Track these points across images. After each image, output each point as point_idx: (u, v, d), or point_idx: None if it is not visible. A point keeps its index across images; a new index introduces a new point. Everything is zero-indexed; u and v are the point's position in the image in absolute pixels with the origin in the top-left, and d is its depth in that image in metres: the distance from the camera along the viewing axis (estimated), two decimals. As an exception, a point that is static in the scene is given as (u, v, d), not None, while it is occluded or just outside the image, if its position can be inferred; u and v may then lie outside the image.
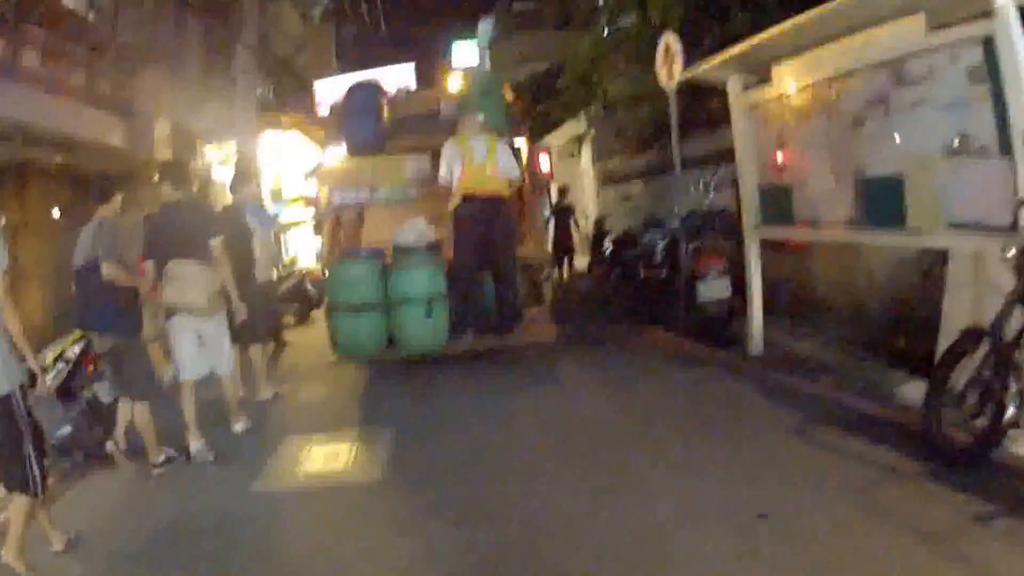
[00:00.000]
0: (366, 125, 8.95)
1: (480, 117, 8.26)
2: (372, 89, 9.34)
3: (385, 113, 9.20)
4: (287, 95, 22.46)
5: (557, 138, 21.05)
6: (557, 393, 7.96)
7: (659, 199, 13.64)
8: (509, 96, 9.66)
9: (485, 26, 40.47)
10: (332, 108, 10.22)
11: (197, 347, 6.49)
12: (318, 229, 9.52)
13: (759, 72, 7.65)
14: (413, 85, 20.59)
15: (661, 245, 11.89)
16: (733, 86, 8.11)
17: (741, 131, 8.11)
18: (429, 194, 8.59)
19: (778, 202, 7.61)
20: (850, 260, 8.59)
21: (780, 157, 7.56)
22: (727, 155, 10.38)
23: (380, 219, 9.04)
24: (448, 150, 7.86)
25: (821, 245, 8.67)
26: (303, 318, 14.51)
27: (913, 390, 6.10)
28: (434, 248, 8.07)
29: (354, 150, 9.09)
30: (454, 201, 7.79)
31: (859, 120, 6.31)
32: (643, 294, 12.15)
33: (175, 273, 6.21)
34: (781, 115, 7.45)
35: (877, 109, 6.08)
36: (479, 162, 7.71)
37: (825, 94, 6.74)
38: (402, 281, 7.78)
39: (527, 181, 9.02)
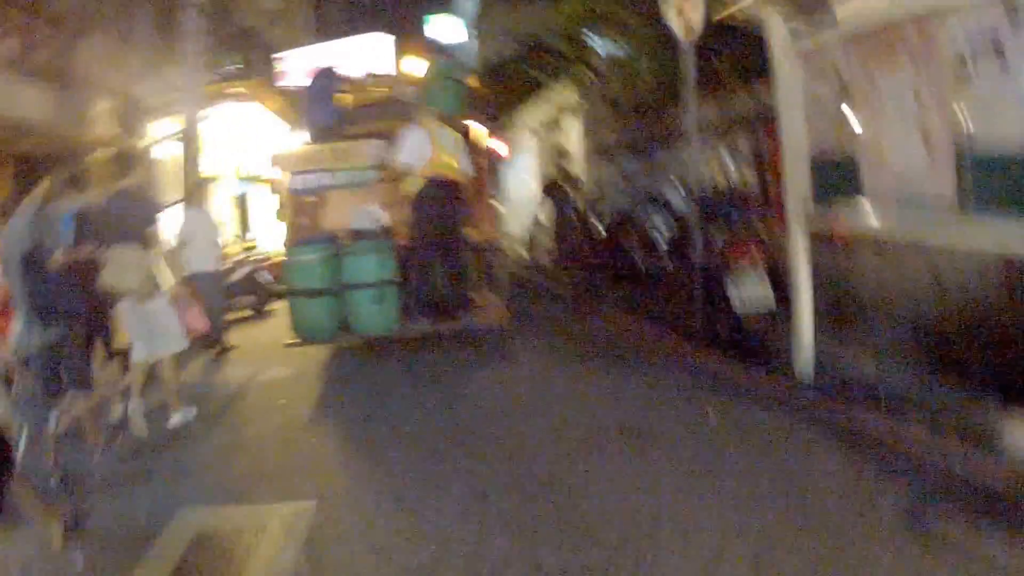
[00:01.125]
0: (324, 110, 9.02)
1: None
2: (329, 74, 9.36)
3: (344, 98, 9.25)
4: (258, 70, 20.33)
5: (540, 111, 19.15)
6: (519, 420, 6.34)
7: (661, 176, 11.81)
8: (473, 83, 9.76)
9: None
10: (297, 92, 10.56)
11: (143, 330, 6.57)
12: (280, 214, 9.30)
13: (811, 10, 5.83)
14: (392, 56, 18.92)
15: (665, 231, 10.08)
16: (777, 30, 6.23)
17: (787, 87, 6.20)
18: (387, 179, 8.63)
19: (839, 181, 5.77)
20: (915, 255, 6.74)
21: (844, 121, 5.71)
22: (744, 124, 8.61)
23: (339, 204, 9.29)
24: (414, 137, 7.91)
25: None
26: (259, 311, 13.29)
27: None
28: (386, 234, 8.27)
29: (313, 135, 9.17)
30: (417, 183, 7.84)
31: (963, 72, 4.53)
32: (644, 288, 10.38)
33: (114, 259, 6.27)
34: (847, 66, 5.60)
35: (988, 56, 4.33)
36: (448, 153, 7.93)
37: (913, 36, 4.92)
38: (354, 267, 7.94)
39: (485, 163, 9.21)
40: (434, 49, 25.79)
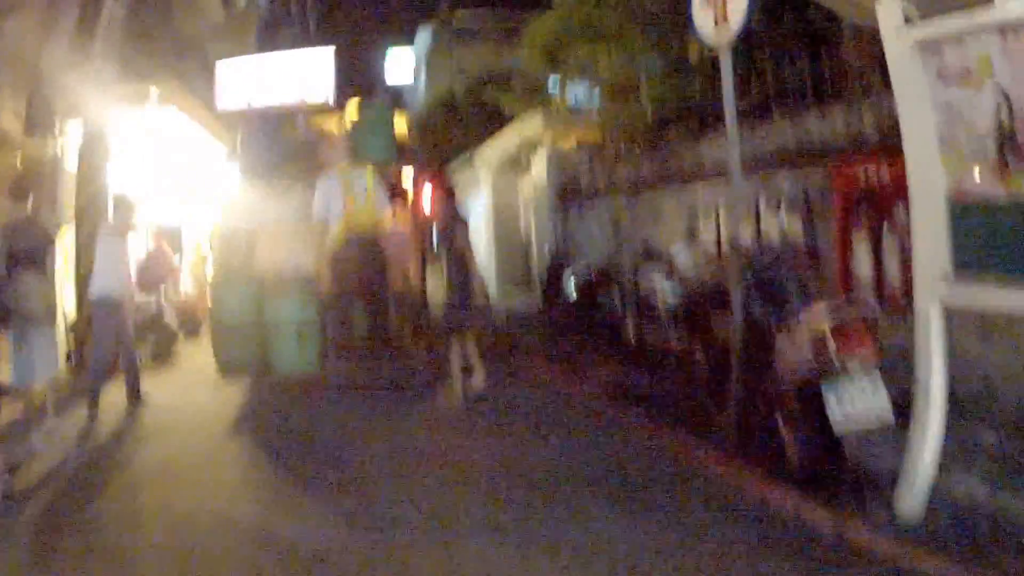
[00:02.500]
0: (258, 153, 9.36)
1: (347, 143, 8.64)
2: (268, 119, 9.79)
3: (281, 138, 9.61)
4: (194, 82, 18.04)
5: (498, 148, 17.18)
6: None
7: (662, 226, 9.86)
8: (402, 127, 10.03)
9: (424, 35, 38.43)
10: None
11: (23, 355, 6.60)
12: (212, 250, 9.59)
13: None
14: (331, 69, 16.62)
15: (669, 296, 8.05)
16: (889, 16, 4.26)
17: (913, 96, 4.20)
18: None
19: (997, 235, 3.80)
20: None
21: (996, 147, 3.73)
22: (793, 158, 6.75)
23: (268, 245, 9.15)
24: (325, 187, 7.90)
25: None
26: (160, 355, 11.34)
27: None
28: (309, 276, 8.17)
29: (246, 176, 9.36)
30: (336, 238, 7.83)
31: None
32: (636, 367, 8.33)
33: (16, 283, 6.36)
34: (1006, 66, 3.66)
35: None
36: (360, 199, 7.84)
37: None
38: (276, 306, 8.16)
39: (411, 218, 9.28)
40: (376, 89, 27.92)
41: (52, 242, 7.02)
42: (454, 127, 24.16)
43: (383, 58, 41.25)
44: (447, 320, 7.79)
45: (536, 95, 13.47)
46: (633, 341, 8.87)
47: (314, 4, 28.70)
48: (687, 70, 9.13)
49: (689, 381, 7.11)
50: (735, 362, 5.77)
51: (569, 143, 13.18)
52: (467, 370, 7.72)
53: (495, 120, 21.09)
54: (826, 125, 7.14)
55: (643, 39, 9.42)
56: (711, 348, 6.63)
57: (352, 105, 10.50)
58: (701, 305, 7.01)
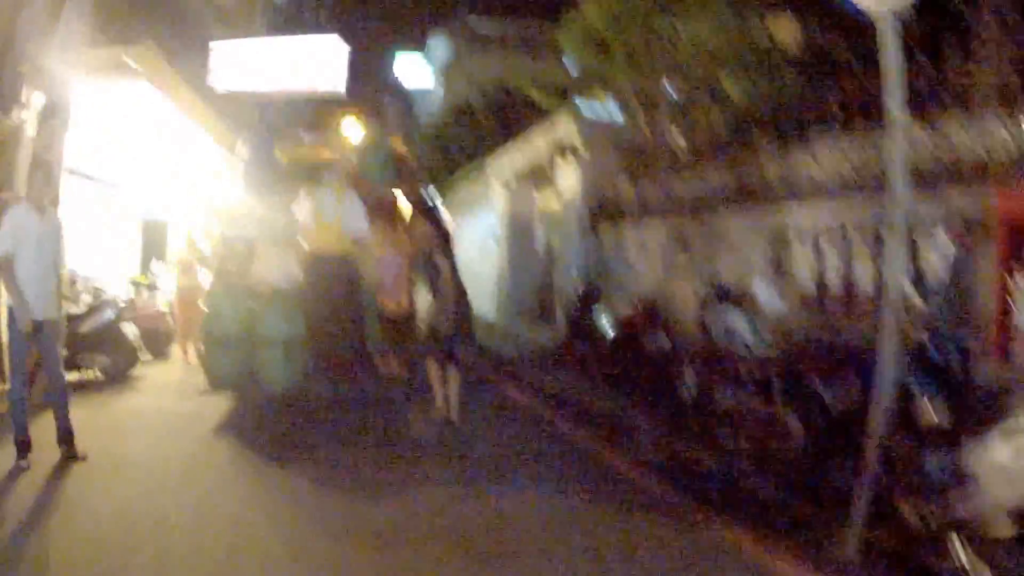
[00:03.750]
0: (260, 168, 9.53)
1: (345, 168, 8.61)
2: (268, 135, 10.28)
3: (282, 157, 9.52)
4: (186, 63, 16.43)
5: (511, 158, 15.61)
6: None
7: (732, 251, 8.18)
8: (400, 150, 9.74)
9: (435, 41, 37.77)
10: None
11: None
12: (209, 259, 9.63)
13: None
14: (344, 66, 15.32)
15: (751, 341, 6.42)
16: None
17: None
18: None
19: None
20: None
21: None
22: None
23: (268, 257, 8.98)
24: (304, 202, 8.22)
25: None
26: (116, 375, 9.69)
27: None
28: (297, 291, 8.20)
29: (247, 189, 9.49)
30: (307, 256, 8.09)
31: None
32: (698, 432, 6.71)
33: None
34: None
35: None
36: (327, 221, 7.95)
37: None
38: (265, 321, 7.99)
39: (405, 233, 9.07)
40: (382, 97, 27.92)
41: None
42: (467, 136, 22.76)
43: (389, 59, 40.04)
44: (428, 344, 7.60)
45: (574, 92, 11.72)
46: (691, 399, 7.10)
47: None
48: (775, 62, 7.60)
49: (779, 465, 5.41)
50: (871, 455, 4.08)
51: (609, 150, 11.50)
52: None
53: (513, 129, 19.91)
54: (980, 136, 5.50)
55: (729, 14, 7.73)
56: (816, 423, 4.96)
57: (349, 125, 10.71)
58: (803, 361, 5.35)
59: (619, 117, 11.68)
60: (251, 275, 8.92)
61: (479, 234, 19.45)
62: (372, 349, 8.62)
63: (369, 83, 38.88)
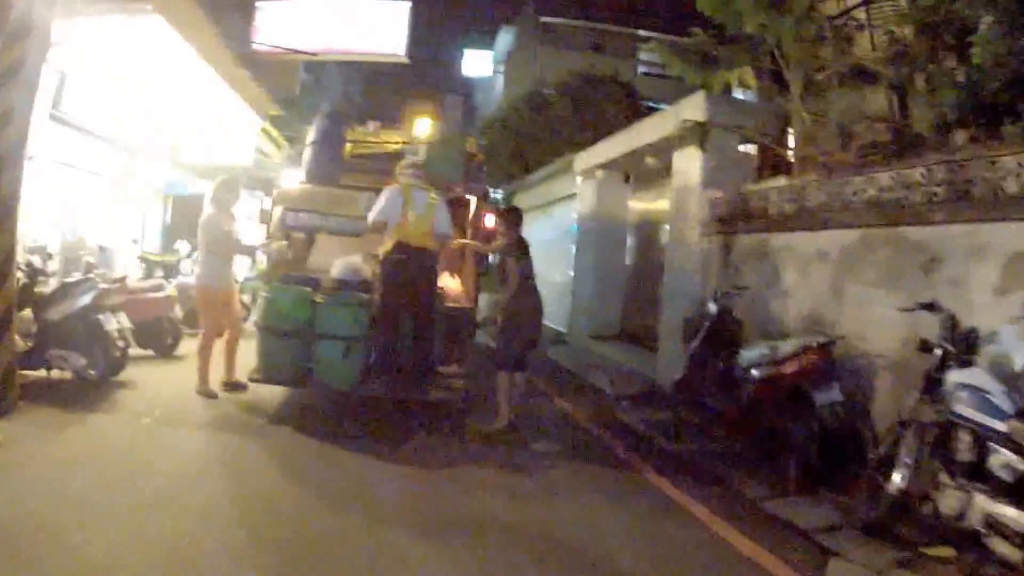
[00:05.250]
0: (325, 155, 8.97)
1: (417, 164, 8.23)
2: (337, 119, 9.39)
3: (347, 146, 9.36)
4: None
5: (608, 151, 13.09)
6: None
7: (954, 284, 5.64)
8: (472, 149, 9.68)
9: (505, 36, 37.93)
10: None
11: None
12: (266, 246, 8.98)
13: None
14: (406, 30, 14.04)
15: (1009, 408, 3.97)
16: None
17: None
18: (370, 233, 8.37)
19: None
20: None
21: None
22: None
23: (326, 248, 9.51)
24: (389, 195, 7.75)
25: None
26: (94, 378, 8.04)
27: None
28: (364, 287, 8.11)
29: (311, 177, 9.01)
30: (386, 247, 7.72)
31: None
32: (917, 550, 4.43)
33: None
34: None
35: None
36: (418, 216, 7.70)
37: None
38: (327, 315, 7.71)
39: (472, 234, 9.21)
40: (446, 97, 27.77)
41: None
42: (540, 131, 20.68)
43: (455, 56, 39.79)
44: (503, 354, 7.90)
45: (708, 65, 9.16)
46: (898, 493, 4.77)
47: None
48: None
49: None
50: None
51: (758, 138, 8.91)
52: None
53: (595, 124, 17.86)
54: None
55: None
56: None
57: (421, 123, 9.90)
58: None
59: (771, 97, 9.41)
60: (313, 266, 9.28)
61: (550, 237, 17.46)
62: (437, 352, 8.28)
63: (435, 80, 38.84)
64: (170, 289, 10.59)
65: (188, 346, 10.50)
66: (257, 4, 14.06)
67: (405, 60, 13.61)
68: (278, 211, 9.07)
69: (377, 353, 7.92)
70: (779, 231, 8.08)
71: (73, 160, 12.23)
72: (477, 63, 39.67)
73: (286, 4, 14.35)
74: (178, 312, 10.65)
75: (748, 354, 7.10)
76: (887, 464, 5.00)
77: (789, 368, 6.39)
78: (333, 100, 34.38)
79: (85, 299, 7.86)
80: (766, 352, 6.83)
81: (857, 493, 5.40)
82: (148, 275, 12.19)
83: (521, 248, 7.99)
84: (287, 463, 6.30)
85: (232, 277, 8.66)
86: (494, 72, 38.00)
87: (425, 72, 35.85)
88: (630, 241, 13.96)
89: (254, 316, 8.77)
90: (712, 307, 7.91)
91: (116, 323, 8.34)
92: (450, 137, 9.28)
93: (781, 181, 8.26)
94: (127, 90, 11.83)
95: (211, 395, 8.07)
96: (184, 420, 7.18)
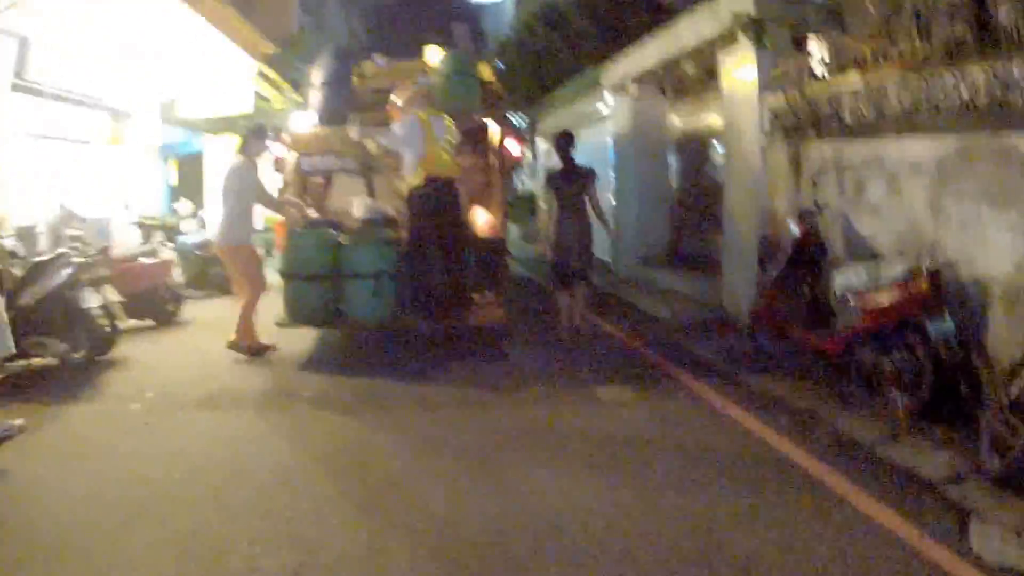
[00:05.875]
0: (336, 96, 8.87)
1: (425, 92, 8.29)
2: (344, 57, 9.32)
3: (355, 82, 9.28)
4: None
5: (643, 58, 12.00)
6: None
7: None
8: (487, 75, 9.55)
9: None
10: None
11: None
12: (283, 193, 8.91)
13: None
14: None
15: None
16: None
17: None
18: (391, 169, 8.61)
19: None
20: None
21: None
22: None
23: (347, 188, 9.49)
24: (408, 127, 7.81)
25: None
26: (79, 362, 7.51)
27: None
28: (389, 224, 8.33)
29: (324, 119, 8.92)
30: (416, 180, 7.75)
31: None
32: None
33: None
34: None
35: None
36: (441, 143, 7.77)
37: None
38: (353, 255, 7.85)
39: (496, 162, 9.22)
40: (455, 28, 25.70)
41: None
42: (560, 49, 19.69)
43: None
44: (558, 271, 8.56)
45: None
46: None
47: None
48: None
49: None
50: None
51: (828, 31, 7.84)
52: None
53: (619, 37, 16.85)
54: None
55: None
56: None
57: (432, 53, 9.65)
58: None
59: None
60: (332, 207, 9.30)
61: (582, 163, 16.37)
62: (471, 280, 8.36)
63: (441, 9, 37.71)
64: (166, 253, 10.22)
65: (193, 310, 10.33)
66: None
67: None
68: (292, 156, 9.07)
69: (409, 286, 8.00)
70: (858, 139, 7.14)
71: (53, 131, 11.51)
72: None
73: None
74: (178, 276, 10.30)
75: (843, 279, 6.30)
76: (1018, 408, 4.25)
77: (898, 295, 5.61)
78: (337, 38, 33.60)
79: (59, 278, 7.32)
80: (866, 277, 6.04)
81: (976, 437, 4.64)
82: (147, 240, 11.59)
83: (563, 177, 8.61)
84: (335, 427, 5.99)
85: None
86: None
87: (429, 2, 35.28)
88: (673, 160, 13.01)
89: (276, 266, 8.52)
90: (794, 227, 7.09)
91: (99, 299, 7.86)
92: (463, 64, 9.00)
93: (853, 80, 7.29)
94: (104, 48, 10.97)
95: (265, 348, 8.07)
96: (183, 400, 6.59)
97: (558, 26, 20.13)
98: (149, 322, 9.62)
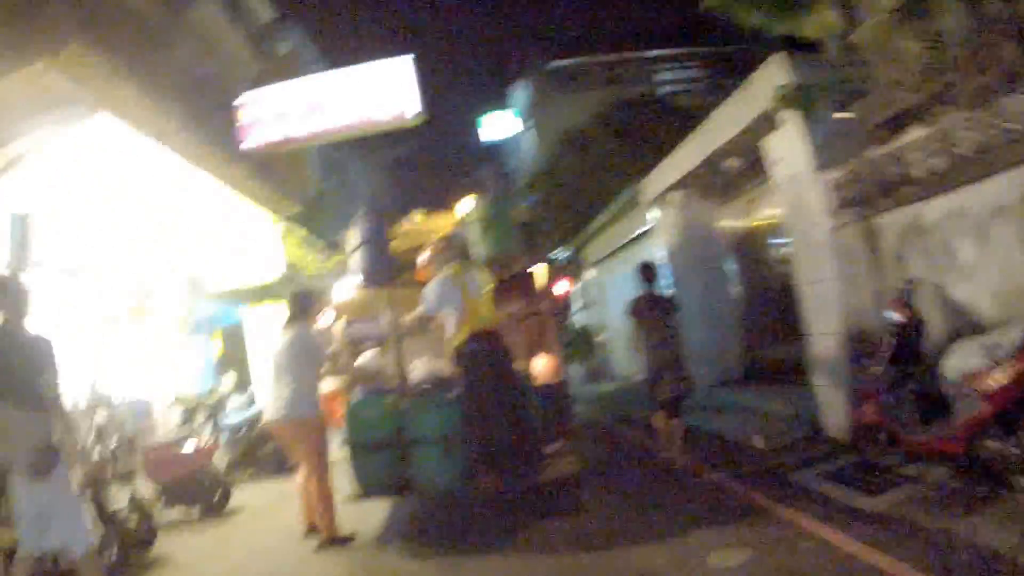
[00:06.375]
0: (376, 255, 8.47)
1: (452, 242, 7.93)
2: (378, 216, 8.80)
3: (396, 242, 8.92)
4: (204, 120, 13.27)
5: (684, 160, 11.40)
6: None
7: None
8: (523, 216, 10.12)
9: (520, 93, 37.31)
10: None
11: (34, 515, 5.20)
12: (333, 364, 8.25)
13: None
14: (413, 82, 12.27)
15: None
16: None
17: None
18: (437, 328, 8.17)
19: None
20: None
21: None
22: None
23: (402, 349, 8.65)
24: (439, 288, 7.48)
25: None
26: (126, 554, 6.97)
27: None
28: (448, 384, 7.92)
29: (367, 281, 8.47)
30: (459, 339, 7.38)
31: None
32: None
33: None
34: None
35: None
36: (480, 297, 7.47)
37: None
38: (415, 420, 7.55)
39: (545, 303, 9.08)
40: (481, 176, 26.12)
41: (52, 354, 5.26)
42: (590, 172, 19.40)
43: (474, 131, 39.34)
44: (654, 395, 8.43)
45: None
46: None
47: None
48: None
49: None
50: None
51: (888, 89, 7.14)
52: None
53: (646, 150, 16.52)
54: None
55: None
56: None
57: (464, 204, 9.54)
58: None
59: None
60: (388, 373, 8.87)
61: (629, 286, 15.74)
62: (538, 432, 7.94)
63: (459, 157, 38.58)
64: (205, 437, 9.54)
65: (242, 496, 9.46)
66: (236, 104, 12.77)
67: (423, 117, 12.08)
68: (339, 324, 8.90)
69: (476, 447, 7.49)
70: (933, 196, 6.37)
71: (65, 307, 10.91)
72: (496, 127, 39.15)
73: (257, 95, 12.86)
74: (221, 461, 9.65)
75: (956, 362, 5.46)
76: None
77: (1020, 366, 4.83)
78: (365, 198, 33.84)
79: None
80: (981, 354, 5.21)
81: None
82: (187, 421, 10.91)
83: (646, 303, 8.59)
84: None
85: None
86: (520, 129, 37.45)
87: (447, 152, 36.10)
88: (732, 266, 12.20)
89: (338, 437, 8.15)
90: (893, 314, 6.20)
91: (128, 494, 7.39)
92: (496, 208, 8.88)
93: (914, 134, 6.57)
94: (119, 219, 10.56)
95: (349, 538, 7.33)
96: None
97: (584, 150, 19.93)
98: (194, 512, 8.89)
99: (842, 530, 5.48)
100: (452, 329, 7.46)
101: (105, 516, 6.69)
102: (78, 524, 5.40)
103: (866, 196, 7.22)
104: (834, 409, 7.78)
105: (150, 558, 7.19)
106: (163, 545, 7.46)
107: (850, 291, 7.57)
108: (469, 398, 7.46)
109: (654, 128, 18.02)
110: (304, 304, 7.76)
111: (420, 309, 7.69)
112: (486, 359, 7.39)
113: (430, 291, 7.57)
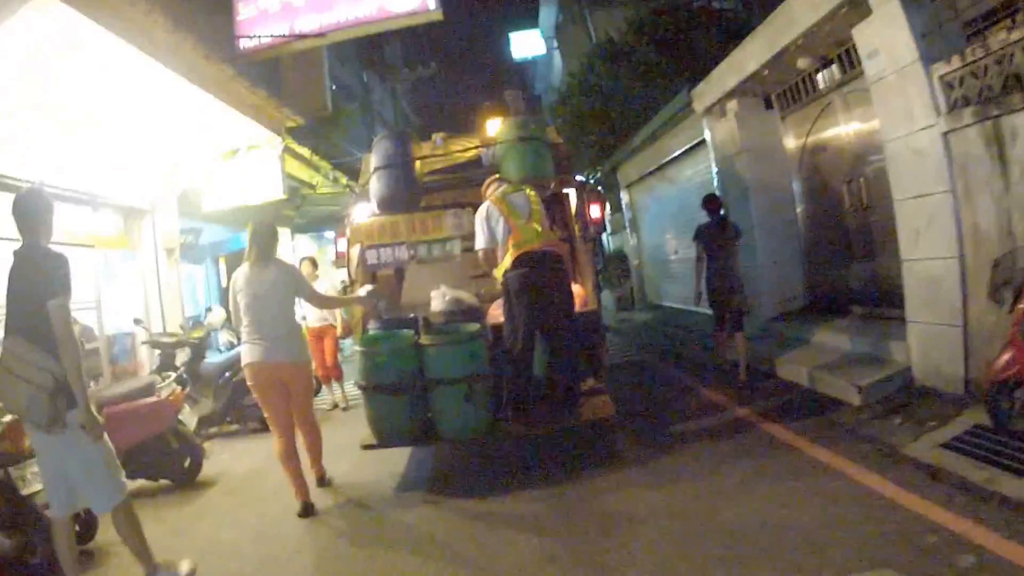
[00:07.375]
0: (399, 180, 8.16)
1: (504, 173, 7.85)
2: (402, 138, 8.47)
3: (417, 165, 8.53)
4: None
5: (733, 69, 10.33)
6: None
7: None
8: (554, 137, 8.99)
9: (547, 12, 36.91)
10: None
11: (56, 472, 4.88)
12: (351, 291, 8.33)
13: None
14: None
15: None
16: None
17: None
18: (472, 250, 7.75)
19: None
20: None
21: None
22: None
23: (420, 279, 9.34)
24: (484, 218, 7.22)
25: None
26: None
27: None
28: (474, 317, 7.77)
29: (385, 207, 8.26)
30: (505, 264, 7.05)
31: None
32: None
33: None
34: None
35: None
36: (526, 218, 7.08)
37: None
38: (436, 360, 6.93)
39: (578, 231, 8.62)
40: (515, 100, 23.16)
41: (64, 274, 4.70)
42: (627, 85, 18.58)
43: (504, 46, 39.19)
44: (716, 311, 9.14)
45: None
46: None
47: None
48: None
49: None
50: None
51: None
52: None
53: (692, 63, 15.84)
54: None
55: None
56: None
57: (492, 125, 9.09)
58: None
59: None
60: (408, 305, 9.04)
61: (677, 207, 15.11)
62: (578, 366, 7.34)
63: (487, 77, 37.75)
64: (167, 385, 8.31)
65: (217, 463, 8.35)
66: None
67: (438, 15, 10.98)
68: (356, 251, 8.39)
69: (509, 386, 7.15)
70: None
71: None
72: (526, 44, 38.98)
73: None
74: (188, 416, 8.59)
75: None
76: None
77: None
78: (384, 117, 32.73)
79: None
80: None
81: None
82: (166, 367, 9.64)
83: (712, 229, 9.12)
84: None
85: None
86: (548, 50, 36.97)
87: (474, 73, 35.31)
88: (796, 184, 10.91)
89: (354, 377, 7.58)
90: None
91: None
92: (526, 129, 8.27)
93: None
94: (105, 140, 9.43)
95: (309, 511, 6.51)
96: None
97: (621, 61, 18.68)
98: (164, 482, 7.61)
99: (996, 529, 4.21)
100: (500, 258, 7.12)
101: (21, 504, 5.43)
102: (99, 480, 4.89)
103: (989, 92, 5.97)
104: (943, 355, 6.63)
105: (93, 545, 5.84)
106: (109, 531, 5.32)
107: (968, 208, 6.34)
108: (516, 329, 7.00)
109: (702, 38, 16.78)
110: (272, 238, 6.93)
111: (478, 251, 7.32)
112: (540, 280, 6.90)
113: (476, 226, 7.31)
